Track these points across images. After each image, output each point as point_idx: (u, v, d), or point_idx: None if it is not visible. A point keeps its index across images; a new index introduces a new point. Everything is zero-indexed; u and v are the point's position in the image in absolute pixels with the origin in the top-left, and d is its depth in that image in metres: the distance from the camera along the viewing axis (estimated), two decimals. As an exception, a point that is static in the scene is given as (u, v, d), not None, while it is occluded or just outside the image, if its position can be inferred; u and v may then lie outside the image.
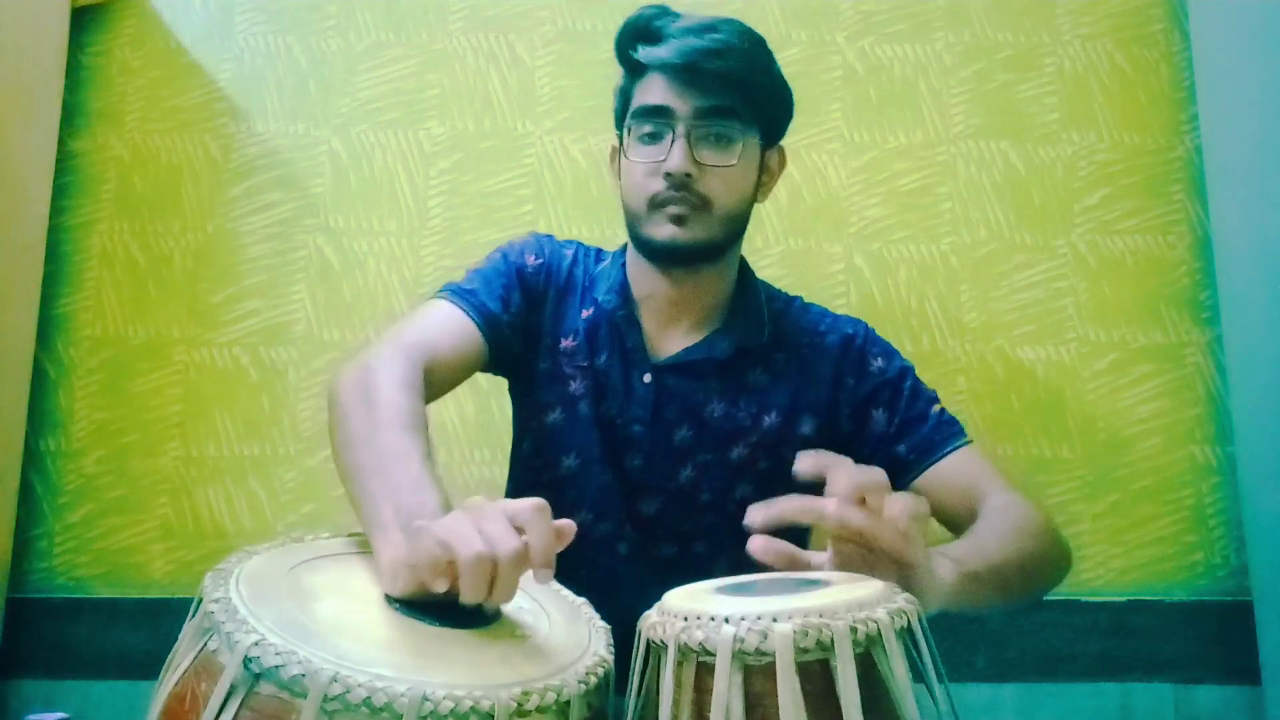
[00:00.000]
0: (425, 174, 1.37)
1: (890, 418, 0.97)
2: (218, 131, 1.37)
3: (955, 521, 0.93)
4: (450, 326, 0.93)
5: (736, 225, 0.97)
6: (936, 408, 0.98)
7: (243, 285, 1.34)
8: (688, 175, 0.90)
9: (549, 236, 1.05)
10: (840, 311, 1.06)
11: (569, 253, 1.03)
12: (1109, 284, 1.33)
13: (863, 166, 1.37)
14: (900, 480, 0.96)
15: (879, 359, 1.00)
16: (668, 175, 0.90)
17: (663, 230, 0.92)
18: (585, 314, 1.00)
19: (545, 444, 0.99)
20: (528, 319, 0.99)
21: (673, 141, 0.91)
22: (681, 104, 0.91)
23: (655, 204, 0.92)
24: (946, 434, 0.96)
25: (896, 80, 1.39)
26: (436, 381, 0.88)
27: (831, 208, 1.36)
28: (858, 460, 0.99)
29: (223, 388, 1.31)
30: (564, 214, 1.36)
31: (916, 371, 1.01)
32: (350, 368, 0.84)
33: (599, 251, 1.06)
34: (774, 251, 1.35)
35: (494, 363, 0.98)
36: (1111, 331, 1.32)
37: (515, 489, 1.05)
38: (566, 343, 0.99)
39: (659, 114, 0.92)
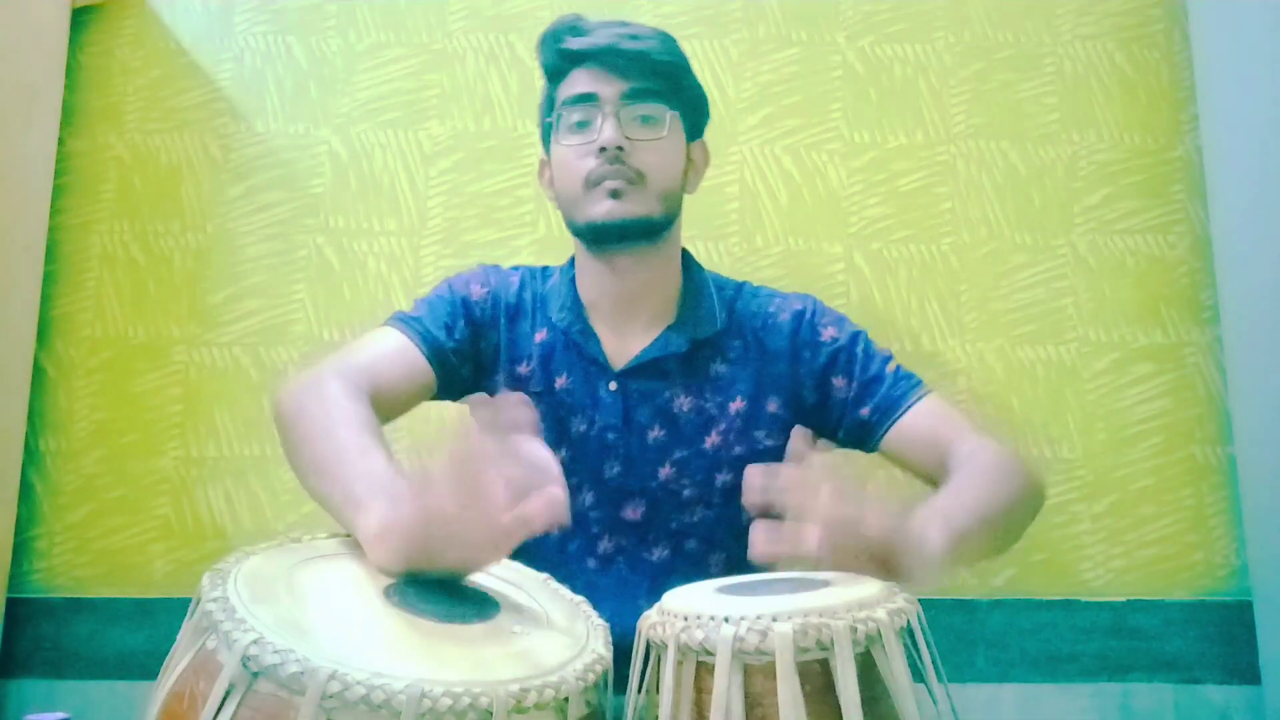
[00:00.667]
0: (425, 174, 1.37)
1: (849, 383, 0.98)
2: (218, 131, 1.37)
3: (929, 473, 0.94)
4: (396, 352, 0.93)
5: (672, 204, 0.98)
6: (892, 365, 0.99)
7: (242, 285, 1.34)
8: (619, 148, 0.93)
9: (495, 266, 1.06)
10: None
11: (515, 279, 1.04)
12: (1109, 284, 1.33)
13: (863, 166, 1.37)
14: (869, 441, 0.98)
15: (830, 328, 1.01)
16: (601, 150, 0.93)
17: (601, 207, 0.93)
18: (539, 336, 1.00)
19: None
20: (475, 347, 0.99)
21: (602, 121, 0.94)
22: (607, 88, 0.95)
23: (591, 182, 0.94)
24: (905, 388, 0.97)
25: (896, 80, 1.39)
26: (383, 407, 0.86)
27: (831, 208, 1.36)
28: (826, 428, 1.01)
29: (223, 388, 1.31)
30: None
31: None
32: (292, 384, 0.84)
33: (545, 270, 1.06)
34: (774, 251, 1.35)
35: (444, 390, 0.97)
36: (1111, 331, 1.32)
37: None
38: (522, 368, 0.99)
39: (587, 100, 0.95)
